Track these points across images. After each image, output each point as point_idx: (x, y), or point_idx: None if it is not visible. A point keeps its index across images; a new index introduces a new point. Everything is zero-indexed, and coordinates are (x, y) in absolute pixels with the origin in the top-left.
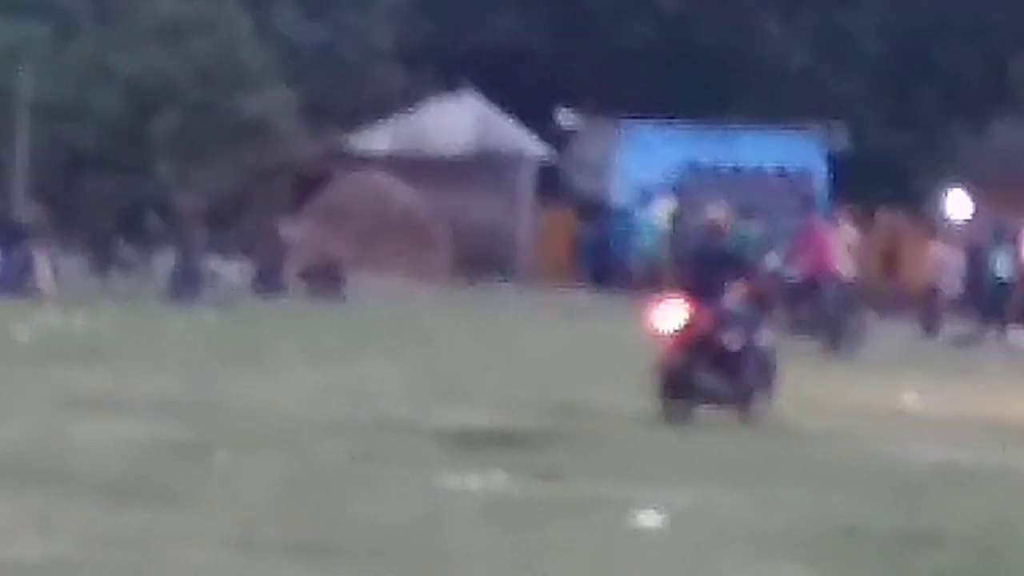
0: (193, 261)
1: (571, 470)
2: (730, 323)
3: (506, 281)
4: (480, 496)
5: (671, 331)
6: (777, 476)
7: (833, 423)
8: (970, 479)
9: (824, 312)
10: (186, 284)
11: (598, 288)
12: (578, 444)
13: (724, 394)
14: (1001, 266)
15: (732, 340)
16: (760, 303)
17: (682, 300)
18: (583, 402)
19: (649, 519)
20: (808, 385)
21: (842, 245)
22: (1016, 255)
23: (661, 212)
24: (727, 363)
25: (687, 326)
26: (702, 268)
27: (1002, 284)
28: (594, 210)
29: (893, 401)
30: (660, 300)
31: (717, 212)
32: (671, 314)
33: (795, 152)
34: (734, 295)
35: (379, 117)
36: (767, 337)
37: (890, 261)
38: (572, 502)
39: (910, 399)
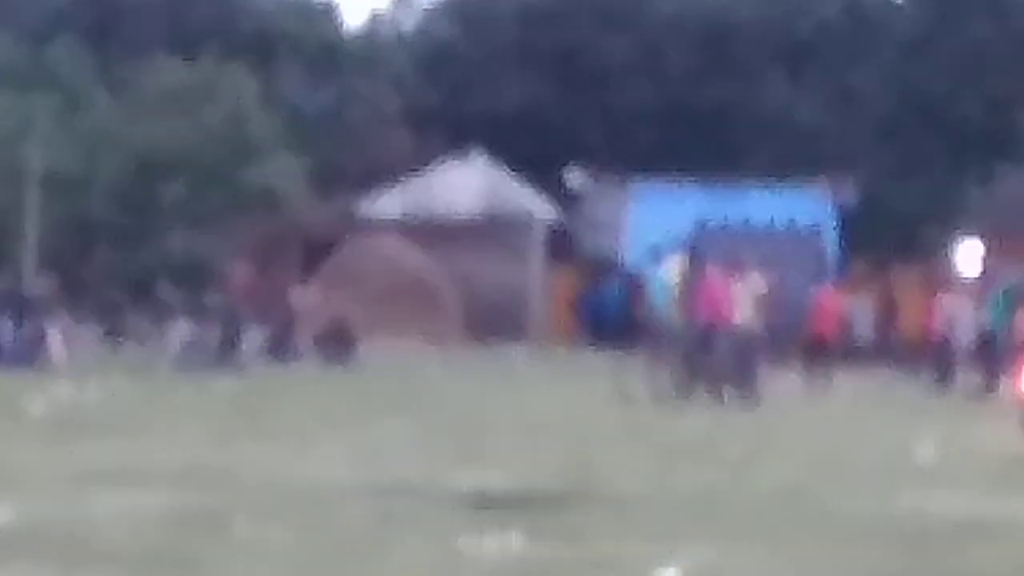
0: (207, 329)
1: (588, 531)
2: None
3: (518, 342)
4: (498, 559)
5: None
6: (793, 531)
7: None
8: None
9: (719, 362)
10: (199, 353)
11: (603, 348)
12: (595, 504)
13: None
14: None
15: None
16: None
17: None
18: (597, 462)
19: None
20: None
21: (746, 295)
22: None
23: (671, 270)
24: None
25: None
26: None
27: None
28: (602, 270)
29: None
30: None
31: None
32: None
33: (804, 207)
34: None
35: (388, 182)
36: None
37: (890, 313)
38: (590, 563)
39: (925, 450)
